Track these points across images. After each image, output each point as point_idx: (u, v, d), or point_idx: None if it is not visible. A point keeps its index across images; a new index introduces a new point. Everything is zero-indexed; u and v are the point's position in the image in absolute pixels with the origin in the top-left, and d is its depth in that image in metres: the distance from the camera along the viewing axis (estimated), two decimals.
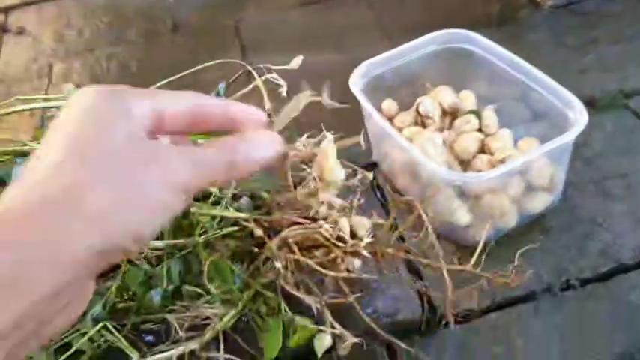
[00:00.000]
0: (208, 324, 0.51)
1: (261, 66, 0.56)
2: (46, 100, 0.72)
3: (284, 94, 0.54)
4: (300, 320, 0.49)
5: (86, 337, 0.51)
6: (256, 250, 0.51)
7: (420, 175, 0.58)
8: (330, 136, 0.54)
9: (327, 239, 0.49)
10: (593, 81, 0.76)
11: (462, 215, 0.57)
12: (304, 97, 0.46)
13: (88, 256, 0.25)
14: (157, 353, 0.51)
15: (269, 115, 0.54)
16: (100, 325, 0.52)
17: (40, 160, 0.27)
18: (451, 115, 0.67)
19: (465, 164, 0.62)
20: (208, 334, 0.50)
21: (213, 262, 0.49)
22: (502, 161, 0.58)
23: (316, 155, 0.49)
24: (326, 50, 0.88)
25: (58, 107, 0.72)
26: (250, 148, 0.32)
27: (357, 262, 0.52)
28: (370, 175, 0.53)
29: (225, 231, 0.53)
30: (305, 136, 0.56)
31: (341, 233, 0.49)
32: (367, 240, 0.48)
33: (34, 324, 0.25)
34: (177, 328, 0.50)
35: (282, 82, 0.55)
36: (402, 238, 0.54)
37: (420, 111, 0.65)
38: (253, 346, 0.51)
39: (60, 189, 0.25)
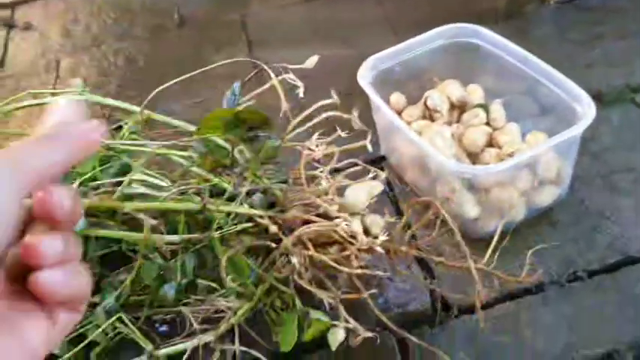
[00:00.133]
0: (222, 317, 0.52)
1: (278, 65, 0.56)
2: (54, 94, 0.72)
3: (301, 95, 0.54)
4: (314, 314, 0.49)
5: (100, 330, 0.52)
6: (271, 246, 0.52)
7: (429, 168, 0.59)
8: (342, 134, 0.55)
9: (342, 237, 0.50)
10: (599, 76, 0.77)
11: (471, 208, 0.57)
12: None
13: None
14: (171, 345, 0.52)
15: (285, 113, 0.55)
16: (115, 317, 0.52)
17: None
18: (459, 108, 0.67)
19: (473, 157, 0.63)
20: (223, 327, 0.51)
21: (229, 257, 0.50)
22: (510, 155, 0.59)
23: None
24: (333, 45, 0.89)
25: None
26: None
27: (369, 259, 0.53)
28: (384, 174, 0.54)
29: (240, 227, 0.53)
30: (316, 134, 0.57)
31: (355, 231, 0.50)
32: (383, 238, 0.49)
33: None
34: (192, 320, 0.51)
35: (298, 83, 0.55)
36: (413, 236, 0.54)
37: (428, 105, 0.66)
38: (267, 339, 0.51)
39: None
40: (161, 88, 0.57)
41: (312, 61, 0.57)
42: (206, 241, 0.53)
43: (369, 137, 0.54)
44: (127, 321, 0.53)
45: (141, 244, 0.52)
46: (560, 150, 0.58)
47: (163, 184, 0.58)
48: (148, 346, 0.52)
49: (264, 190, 0.59)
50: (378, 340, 0.49)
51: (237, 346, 0.50)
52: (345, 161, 0.56)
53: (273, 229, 0.52)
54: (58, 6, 1.13)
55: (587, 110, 0.56)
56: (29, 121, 0.85)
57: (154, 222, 0.50)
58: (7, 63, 1.01)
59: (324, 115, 0.56)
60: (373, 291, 0.50)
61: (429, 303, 0.55)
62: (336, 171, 0.55)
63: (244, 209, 0.54)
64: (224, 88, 0.59)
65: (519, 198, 0.58)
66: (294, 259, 0.49)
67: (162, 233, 0.53)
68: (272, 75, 0.55)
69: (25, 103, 0.67)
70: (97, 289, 0.56)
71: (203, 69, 0.59)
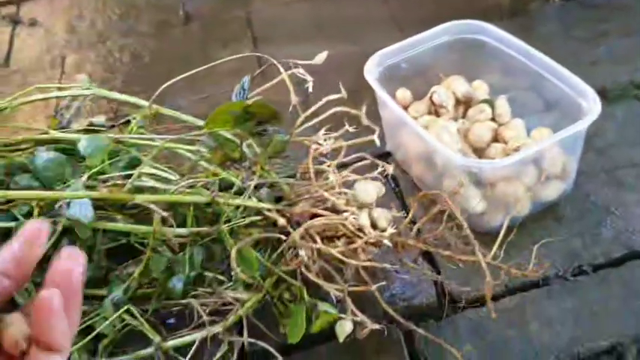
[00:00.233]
0: (230, 309, 0.52)
1: (288, 60, 0.56)
2: (60, 89, 0.73)
3: (310, 89, 0.55)
4: (322, 306, 0.50)
5: (108, 322, 0.53)
6: (279, 238, 0.52)
7: (436, 163, 0.59)
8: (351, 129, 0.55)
9: (350, 230, 0.50)
10: (604, 73, 0.77)
11: (477, 203, 0.58)
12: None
13: None
14: (179, 337, 0.52)
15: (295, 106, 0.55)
16: (123, 309, 0.53)
17: None
18: (464, 104, 0.67)
19: (479, 153, 0.63)
20: (231, 319, 0.51)
21: (239, 249, 0.50)
22: (516, 150, 0.59)
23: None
24: (338, 41, 0.89)
25: (72, 96, 0.72)
26: None
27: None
28: (391, 169, 0.54)
29: (248, 220, 0.54)
30: (324, 129, 0.58)
31: (363, 224, 0.50)
32: (391, 231, 0.49)
33: None
34: (201, 312, 0.51)
35: (308, 77, 0.55)
36: (419, 230, 0.55)
37: (434, 100, 0.66)
38: (275, 331, 0.52)
39: None
40: (168, 83, 0.58)
41: (321, 58, 0.58)
42: (215, 234, 0.53)
43: (377, 131, 0.55)
44: (135, 313, 0.53)
45: (150, 237, 0.52)
46: (566, 145, 0.58)
47: (172, 177, 0.59)
48: (156, 338, 0.52)
49: (272, 184, 0.59)
50: (385, 333, 0.50)
51: (245, 338, 0.51)
52: (353, 156, 0.56)
53: (282, 222, 0.53)
54: (63, 2, 1.14)
55: (592, 105, 0.57)
56: (35, 115, 0.86)
57: (164, 213, 0.50)
58: (13, 59, 1.01)
59: (331, 111, 0.56)
60: (381, 283, 0.50)
61: (435, 296, 0.56)
62: (343, 166, 0.56)
63: (253, 202, 0.54)
64: (230, 84, 0.59)
65: (525, 193, 0.58)
66: (302, 252, 0.50)
67: (171, 226, 0.54)
68: (281, 69, 0.55)
69: (32, 97, 0.68)
70: (105, 282, 0.57)
71: (209, 65, 0.59)
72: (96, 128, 0.69)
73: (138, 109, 0.64)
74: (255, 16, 1.01)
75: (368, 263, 0.50)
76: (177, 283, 0.54)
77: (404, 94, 0.69)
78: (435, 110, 0.67)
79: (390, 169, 0.55)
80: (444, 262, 0.55)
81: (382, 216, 0.53)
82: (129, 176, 0.56)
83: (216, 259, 0.56)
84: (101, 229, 0.56)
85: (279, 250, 0.53)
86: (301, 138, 0.57)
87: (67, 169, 0.60)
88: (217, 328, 0.51)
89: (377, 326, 0.48)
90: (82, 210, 0.52)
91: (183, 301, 0.54)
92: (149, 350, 0.52)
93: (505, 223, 0.51)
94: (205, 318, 0.51)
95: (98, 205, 0.55)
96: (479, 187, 0.57)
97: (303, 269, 0.51)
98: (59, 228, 0.53)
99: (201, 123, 0.57)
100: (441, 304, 0.55)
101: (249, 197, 0.55)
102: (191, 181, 0.56)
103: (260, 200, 0.56)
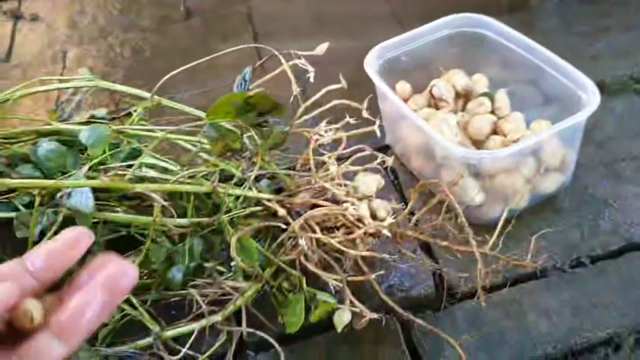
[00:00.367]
0: (230, 299, 0.52)
1: (288, 52, 0.56)
2: (62, 81, 0.73)
3: (312, 79, 0.55)
4: (321, 296, 0.50)
5: None
6: (280, 228, 0.53)
7: (435, 155, 0.59)
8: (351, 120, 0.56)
9: (350, 220, 0.50)
10: (603, 67, 0.77)
11: (475, 194, 0.58)
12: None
13: None
14: (178, 327, 0.52)
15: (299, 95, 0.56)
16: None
17: None
18: (464, 97, 0.68)
19: (478, 145, 0.64)
20: (230, 309, 0.51)
21: (239, 239, 0.51)
22: (515, 141, 0.59)
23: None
24: (339, 37, 0.89)
25: (75, 88, 0.73)
26: None
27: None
28: (390, 160, 0.55)
29: (248, 210, 0.54)
30: (325, 121, 0.58)
31: (362, 214, 0.50)
32: (390, 220, 0.49)
33: None
34: (200, 302, 0.51)
35: (309, 67, 0.56)
36: (417, 222, 0.55)
37: (434, 93, 0.66)
38: (274, 321, 0.52)
39: None
40: (169, 75, 0.58)
41: (322, 49, 0.58)
42: (215, 224, 0.54)
43: (378, 122, 0.55)
44: (135, 303, 0.53)
45: (150, 226, 0.52)
46: (565, 137, 0.58)
47: (173, 168, 0.59)
48: (155, 328, 0.52)
49: (272, 176, 0.60)
50: (383, 323, 0.50)
51: (243, 328, 0.51)
52: (353, 147, 0.57)
53: (282, 212, 0.53)
54: None
55: (591, 97, 0.57)
56: (36, 109, 0.86)
57: (164, 202, 0.51)
58: (14, 54, 1.02)
59: (332, 103, 0.57)
60: (379, 272, 0.50)
61: (433, 287, 0.56)
62: (342, 158, 0.56)
63: (253, 193, 0.55)
64: (230, 77, 0.59)
65: (524, 185, 0.59)
66: (302, 242, 0.50)
67: (171, 217, 0.54)
68: (282, 60, 0.55)
69: (33, 89, 0.68)
70: None
71: (209, 57, 0.59)
72: (97, 121, 0.69)
73: (139, 102, 0.64)
74: (256, 12, 1.01)
75: (367, 253, 0.51)
76: (176, 274, 0.54)
77: (403, 87, 0.70)
78: (434, 103, 0.67)
79: (390, 161, 0.56)
80: (442, 253, 0.55)
81: (381, 207, 0.53)
82: (130, 167, 0.56)
83: (215, 249, 0.56)
84: (102, 220, 0.57)
85: (278, 240, 0.54)
86: (301, 129, 0.57)
87: (68, 160, 0.61)
88: (216, 318, 0.51)
89: (375, 316, 0.48)
90: (83, 200, 0.53)
91: (183, 292, 0.54)
92: (148, 340, 0.52)
93: (503, 215, 0.51)
94: (204, 308, 0.52)
95: (99, 196, 0.55)
96: (477, 178, 0.57)
97: (302, 259, 0.51)
98: (60, 218, 0.54)
99: (202, 114, 0.57)
100: (439, 294, 0.55)
101: (250, 188, 0.55)
102: (192, 171, 0.57)
103: (260, 191, 0.56)
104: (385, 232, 0.50)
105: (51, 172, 0.60)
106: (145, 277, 0.57)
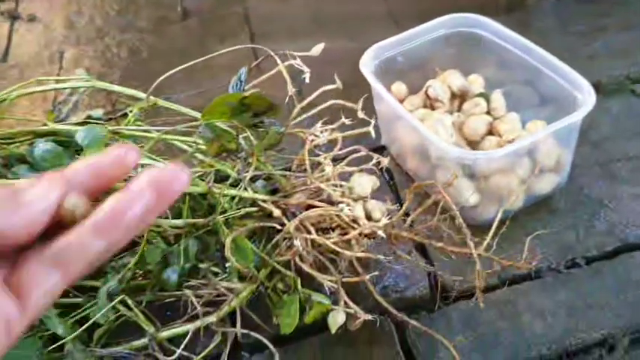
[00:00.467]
0: (224, 300, 0.52)
1: (284, 52, 0.56)
2: (59, 81, 0.73)
3: (307, 80, 0.55)
4: (315, 297, 0.50)
5: (103, 311, 0.53)
6: (275, 229, 0.53)
7: (430, 156, 0.59)
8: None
9: (345, 221, 0.50)
10: (600, 67, 0.77)
11: (470, 195, 0.58)
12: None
13: None
14: (173, 328, 0.52)
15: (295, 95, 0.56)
16: (118, 299, 0.53)
17: None
18: (460, 98, 0.68)
19: (473, 145, 0.64)
20: (225, 310, 0.51)
21: (234, 240, 0.51)
22: (510, 142, 0.59)
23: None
24: (335, 37, 0.89)
25: (72, 89, 0.73)
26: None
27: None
28: (386, 161, 0.55)
29: (244, 211, 0.54)
30: (320, 122, 0.58)
31: (358, 215, 0.50)
32: (384, 221, 0.49)
33: None
34: (195, 303, 0.51)
35: (305, 68, 0.56)
36: (412, 221, 0.55)
37: (430, 94, 0.66)
38: (268, 322, 0.52)
39: None
40: (165, 75, 0.58)
41: (317, 49, 0.58)
42: (210, 224, 0.54)
43: (373, 123, 0.55)
44: (130, 303, 0.53)
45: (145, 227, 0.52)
46: (560, 137, 0.58)
47: None
48: (150, 329, 0.52)
49: (268, 176, 0.60)
50: (377, 324, 0.50)
51: (238, 329, 0.51)
52: (349, 148, 0.57)
53: (277, 212, 0.53)
54: None
55: (587, 98, 0.57)
56: (33, 110, 0.86)
57: None
58: (12, 54, 1.02)
59: (327, 103, 0.57)
60: (373, 274, 0.50)
61: (428, 288, 0.56)
62: (337, 159, 0.56)
63: (248, 194, 0.55)
64: (226, 78, 0.60)
65: (519, 185, 0.59)
66: (297, 243, 0.50)
67: (167, 217, 0.54)
68: (278, 61, 0.55)
69: (30, 89, 0.68)
70: (102, 274, 0.57)
71: (206, 57, 0.59)
72: (93, 121, 0.69)
73: (135, 102, 0.64)
74: (253, 12, 1.01)
75: (362, 254, 0.51)
76: (171, 275, 0.54)
77: (399, 87, 0.70)
78: (430, 104, 0.67)
79: (385, 161, 0.56)
80: (437, 254, 0.55)
81: (376, 207, 0.53)
82: None
83: (210, 250, 0.56)
84: None
85: (273, 241, 0.54)
86: (297, 130, 0.57)
87: (64, 161, 0.61)
88: (211, 319, 0.51)
89: (369, 317, 0.48)
90: None
91: (178, 293, 0.54)
92: (143, 341, 0.52)
93: (498, 216, 0.51)
94: (199, 309, 0.52)
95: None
96: (472, 179, 0.57)
97: (297, 260, 0.51)
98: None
99: (197, 115, 0.57)
100: (434, 295, 0.55)
101: (245, 188, 0.55)
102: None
103: (256, 192, 0.56)
104: (380, 233, 0.50)
105: (47, 172, 0.60)
106: (140, 278, 0.57)
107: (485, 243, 0.49)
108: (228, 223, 0.54)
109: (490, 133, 0.64)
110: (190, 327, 0.52)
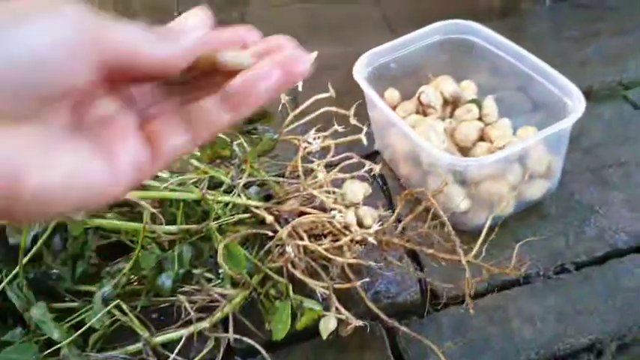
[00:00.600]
0: (217, 306, 0.53)
1: None
2: None
3: (300, 89, 0.56)
4: (307, 303, 0.51)
5: (98, 316, 0.54)
6: (267, 236, 0.53)
7: (421, 162, 0.60)
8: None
9: (337, 228, 0.51)
10: (592, 73, 0.78)
11: (461, 201, 0.58)
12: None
13: None
14: (166, 333, 0.53)
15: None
16: (113, 304, 0.54)
17: None
18: (452, 104, 0.68)
19: (464, 152, 0.64)
20: (217, 315, 0.52)
21: (226, 246, 0.51)
22: (501, 148, 0.60)
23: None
24: (331, 43, 0.90)
25: None
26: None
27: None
28: (378, 168, 0.55)
29: (237, 217, 0.55)
30: (314, 128, 0.58)
31: (349, 222, 0.51)
32: (375, 227, 0.50)
33: None
34: (188, 308, 0.52)
35: None
36: (404, 229, 0.55)
37: (422, 100, 0.67)
38: (261, 328, 0.53)
39: None
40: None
41: (310, 57, 0.59)
42: (204, 231, 0.54)
43: (365, 130, 0.56)
44: (124, 308, 0.54)
45: (140, 233, 0.53)
46: (551, 144, 0.59)
47: (163, 175, 0.60)
48: (145, 333, 0.53)
49: (261, 183, 0.60)
50: (368, 330, 0.51)
51: (231, 335, 0.52)
52: (341, 155, 0.57)
53: (270, 219, 0.54)
54: None
55: (577, 104, 0.57)
56: None
57: (152, 209, 0.51)
58: None
59: (321, 110, 0.57)
60: (364, 280, 0.51)
61: (419, 293, 0.56)
62: (331, 165, 0.57)
63: (242, 200, 0.55)
64: None
65: (509, 191, 0.59)
66: (289, 249, 0.51)
67: (161, 223, 0.55)
68: None
69: None
70: (98, 279, 0.58)
71: None
72: None
73: None
74: (249, 18, 1.01)
75: (353, 261, 0.51)
76: (166, 280, 0.55)
77: (392, 93, 0.70)
78: (422, 110, 0.68)
79: (377, 168, 0.56)
80: (429, 259, 0.55)
81: (368, 214, 0.54)
82: None
83: (204, 256, 0.57)
84: (93, 227, 0.57)
85: (266, 248, 0.54)
86: (290, 137, 0.58)
87: None
88: (204, 325, 0.52)
89: (360, 323, 0.49)
90: None
91: (172, 298, 0.55)
92: (138, 345, 0.53)
93: (488, 222, 0.52)
94: (193, 314, 0.52)
95: None
96: (464, 185, 0.58)
97: (289, 266, 0.52)
98: (52, 225, 0.55)
99: None
100: (425, 300, 0.56)
101: (239, 195, 0.56)
102: (181, 178, 0.57)
103: (249, 198, 0.57)
104: (371, 239, 0.51)
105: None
106: (135, 284, 0.58)
107: (474, 250, 0.50)
108: (221, 229, 0.55)
109: (481, 139, 0.64)
110: (184, 332, 0.53)
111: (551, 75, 0.62)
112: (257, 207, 0.56)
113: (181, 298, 0.54)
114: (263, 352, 0.50)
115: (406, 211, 0.56)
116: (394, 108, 0.70)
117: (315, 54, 0.63)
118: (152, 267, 0.56)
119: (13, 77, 0.20)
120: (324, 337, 0.50)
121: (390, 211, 0.61)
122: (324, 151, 0.58)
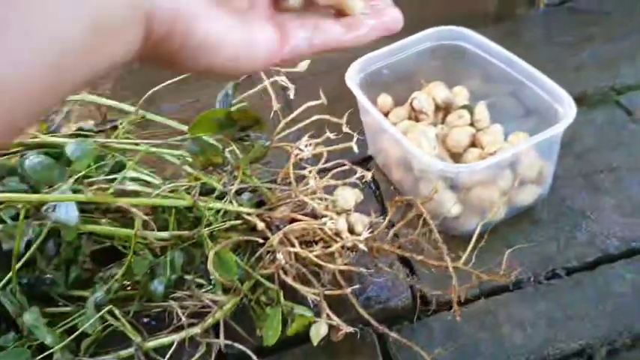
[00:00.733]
0: (209, 312, 0.53)
1: (270, 67, 0.58)
2: None
3: (292, 96, 0.56)
4: (298, 310, 0.51)
5: (91, 321, 0.54)
6: (259, 242, 0.54)
7: (413, 168, 0.60)
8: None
9: (328, 235, 0.51)
10: (586, 78, 0.78)
11: (452, 206, 0.59)
12: None
13: None
14: (158, 338, 0.53)
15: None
16: (105, 310, 0.54)
17: None
18: (444, 110, 0.68)
19: (456, 158, 0.64)
20: (209, 321, 0.52)
21: (217, 253, 0.52)
22: (492, 154, 0.60)
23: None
24: None
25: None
26: None
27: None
28: (369, 175, 0.56)
29: (228, 224, 0.55)
30: (307, 135, 0.59)
31: (340, 229, 0.51)
32: (366, 235, 0.50)
33: None
34: (180, 314, 0.52)
35: (289, 85, 0.57)
36: (395, 235, 0.56)
37: (414, 106, 0.67)
38: (252, 334, 0.53)
39: None
40: (156, 88, 0.59)
41: (303, 65, 0.59)
42: (196, 237, 0.55)
43: (355, 139, 0.56)
44: (117, 314, 0.54)
45: (132, 239, 0.53)
46: (542, 149, 0.59)
47: (156, 181, 0.60)
48: (137, 338, 0.53)
49: (253, 189, 0.61)
50: (359, 335, 0.51)
51: (222, 340, 0.52)
52: (333, 162, 0.57)
53: (261, 226, 0.54)
54: None
55: (568, 110, 0.58)
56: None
57: (144, 216, 0.52)
58: None
59: (313, 118, 0.58)
60: (354, 286, 0.51)
61: (411, 299, 0.57)
62: (323, 171, 0.57)
63: (233, 207, 0.56)
64: (219, 89, 0.61)
65: (500, 197, 0.59)
66: (280, 256, 0.51)
67: (153, 230, 0.55)
68: (264, 77, 0.57)
69: None
70: (90, 284, 0.58)
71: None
72: (84, 133, 0.71)
73: (126, 115, 0.65)
74: None
75: (344, 267, 0.51)
76: (158, 286, 0.55)
77: (385, 99, 0.70)
78: (415, 116, 0.68)
79: (369, 175, 0.56)
80: (420, 266, 0.56)
81: (359, 221, 0.54)
82: (114, 180, 0.58)
83: (196, 262, 0.57)
84: (86, 232, 0.58)
85: (257, 254, 0.55)
86: (282, 144, 0.58)
87: (54, 172, 0.62)
88: (195, 330, 0.52)
89: (351, 329, 0.49)
90: (67, 213, 0.54)
91: (164, 304, 0.55)
92: (130, 350, 0.53)
93: (478, 227, 0.52)
94: (184, 320, 0.53)
95: (84, 208, 0.56)
96: (455, 191, 0.58)
97: (280, 273, 0.52)
98: (45, 230, 0.55)
99: (185, 128, 0.58)
100: (416, 306, 0.56)
101: (230, 202, 0.56)
102: (173, 185, 0.58)
103: (241, 204, 0.57)
104: (361, 246, 0.51)
105: (37, 184, 0.61)
106: (127, 289, 0.58)
107: (464, 257, 0.50)
108: (213, 235, 0.55)
109: (473, 144, 0.64)
110: (176, 337, 0.53)
111: (543, 81, 0.62)
112: (249, 214, 0.56)
113: (173, 303, 0.54)
114: (254, 357, 0.50)
115: (398, 217, 0.56)
116: (387, 114, 0.70)
117: (307, 62, 0.63)
118: (144, 273, 0.56)
119: None
120: (315, 343, 0.50)
121: (382, 216, 0.61)
122: (316, 157, 0.58)
